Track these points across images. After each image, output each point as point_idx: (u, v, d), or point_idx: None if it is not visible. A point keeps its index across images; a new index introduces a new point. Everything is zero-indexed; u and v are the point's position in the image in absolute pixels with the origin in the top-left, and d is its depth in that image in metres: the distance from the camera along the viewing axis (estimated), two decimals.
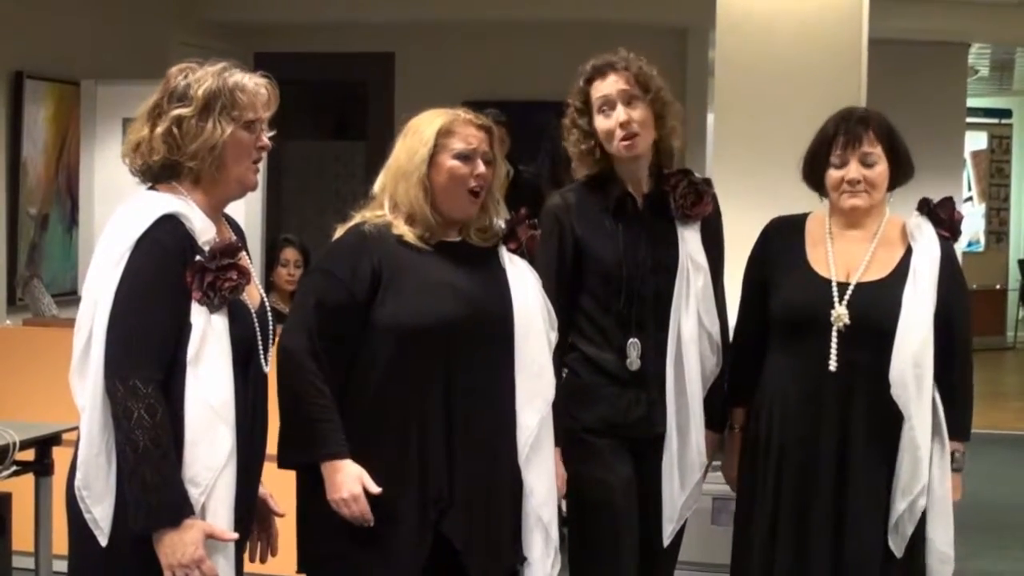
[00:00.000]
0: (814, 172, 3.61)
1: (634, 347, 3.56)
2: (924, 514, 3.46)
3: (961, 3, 9.56)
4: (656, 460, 3.59)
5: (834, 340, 3.46)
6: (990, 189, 15.19)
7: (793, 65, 5.53)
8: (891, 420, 3.43)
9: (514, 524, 3.24)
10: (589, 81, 3.56)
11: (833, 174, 3.53)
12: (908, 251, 3.53)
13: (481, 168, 3.21)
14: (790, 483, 3.50)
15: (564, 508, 3.65)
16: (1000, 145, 15.54)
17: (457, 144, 3.20)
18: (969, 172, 14.86)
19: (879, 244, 3.55)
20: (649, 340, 3.57)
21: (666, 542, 3.62)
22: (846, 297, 3.48)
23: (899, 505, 3.43)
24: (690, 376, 3.58)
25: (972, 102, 13.04)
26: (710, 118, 6.40)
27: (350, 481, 3.07)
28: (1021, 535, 6.49)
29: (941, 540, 3.49)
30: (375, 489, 3.07)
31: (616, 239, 3.57)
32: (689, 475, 3.60)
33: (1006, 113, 15.68)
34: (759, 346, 3.66)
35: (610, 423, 3.57)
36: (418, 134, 3.22)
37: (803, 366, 3.52)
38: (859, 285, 3.49)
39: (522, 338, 3.24)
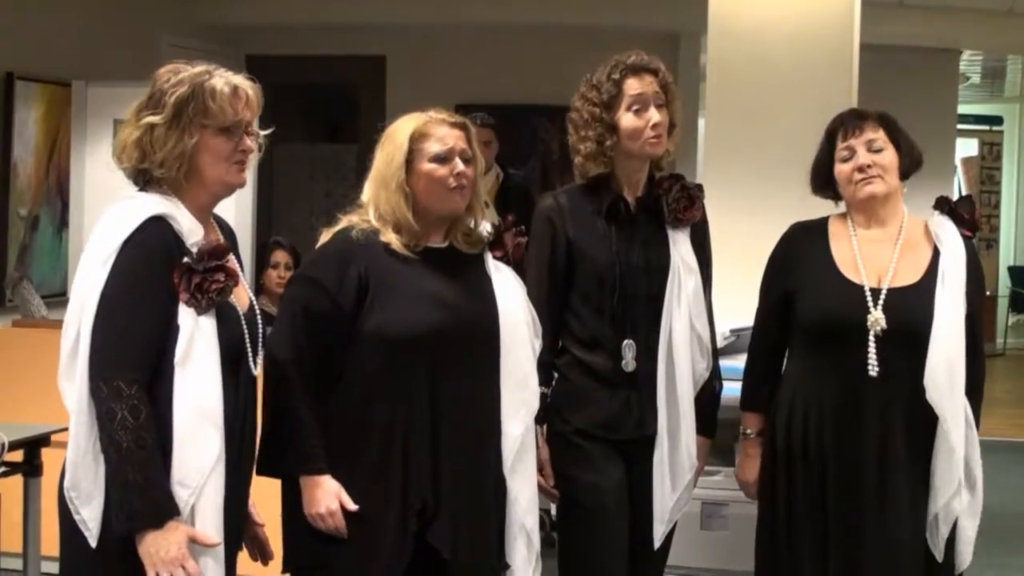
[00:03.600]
0: (820, 175, 3.63)
1: (629, 348, 3.56)
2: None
3: (953, 10, 9.57)
4: (647, 462, 3.59)
5: (872, 345, 3.45)
6: (981, 196, 15.21)
7: (785, 71, 5.54)
8: (929, 423, 3.44)
9: (498, 531, 3.25)
10: (624, 77, 3.55)
11: (843, 167, 3.55)
12: (935, 253, 3.54)
13: (460, 166, 3.19)
14: (833, 489, 3.49)
15: (553, 511, 3.65)
16: (991, 152, 15.58)
17: (433, 147, 3.18)
18: (960, 178, 14.89)
19: (904, 247, 3.55)
20: (642, 342, 3.57)
21: (656, 544, 3.62)
22: (880, 302, 3.48)
23: (936, 504, 3.45)
24: (681, 377, 3.58)
25: (963, 109, 13.06)
26: (701, 123, 6.41)
27: (327, 497, 3.09)
28: (1011, 541, 6.50)
29: (969, 525, 3.51)
30: (352, 506, 3.09)
31: (609, 241, 3.57)
32: (679, 476, 3.60)
33: (997, 120, 15.72)
34: (778, 353, 3.67)
35: (602, 426, 3.57)
36: (393, 141, 3.21)
37: (838, 373, 3.50)
38: (891, 291, 3.49)
39: (507, 347, 3.24)
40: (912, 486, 3.46)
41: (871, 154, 3.51)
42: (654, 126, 3.53)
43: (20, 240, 7.34)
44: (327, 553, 3.13)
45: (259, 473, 3.15)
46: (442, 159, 3.18)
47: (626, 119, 3.54)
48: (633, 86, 3.55)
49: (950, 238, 3.54)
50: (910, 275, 3.52)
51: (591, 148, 3.56)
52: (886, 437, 3.46)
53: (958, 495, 3.45)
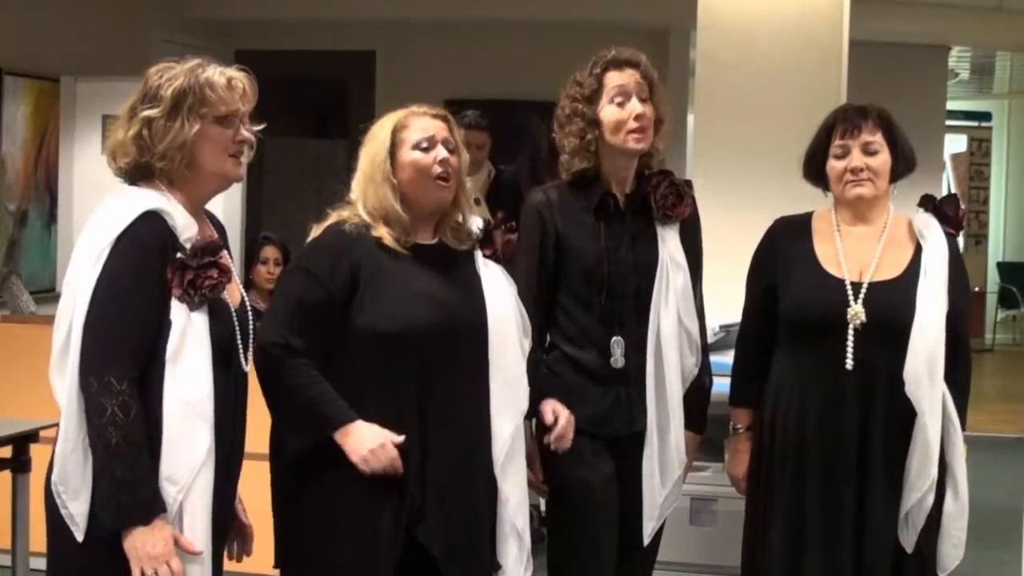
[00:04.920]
0: (814, 165, 3.63)
1: (618, 344, 3.56)
2: (942, 501, 3.49)
3: (941, 6, 9.59)
4: (636, 458, 3.59)
5: (850, 339, 3.46)
6: (970, 192, 15.25)
7: (774, 66, 5.55)
8: (908, 417, 3.44)
9: (490, 531, 3.24)
10: (605, 71, 3.56)
11: (835, 165, 3.55)
12: (918, 249, 3.54)
13: (444, 154, 3.19)
14: (814, 483, 3.50)
15: (543, 507, 3.65)
16: (980, 148, 15.61)
17: (414, 136, 3.19)
18: (949, 175, 14.92)
19: (888, 243, 3.55)
20: (631, 338, 3.57)
21: (646, 540, 3.62)
22: (860, 296, 3.48)
23: (908, 500, 3.45)
24: (670, 373, 3.58)
25: (952, 105, 13.08)
26: (690, 118, 6.41)
27: (373, 434, 3.06)
28: (999, 537, 6.51)
29: (956, 526, 3.53)
30: (398, 438, 3.06)
31: (598, 237, 3.57)
32: (669, 472, 3.60)
33: (986, 116, 15.75)
34: (765, 348, 3.67)
35: (592, 422, 3.57)
36: (375, 138, 3.22)
37: (820, 366, 3.51)
38: (872, 285, 3.50)
39: (497, 347, 3.24)
40: (892, 483, 3.47)
41: (866, 157, 3.51)
42: (637, 117, 3.53)
43: (8, 236, 7.33)
44: (320, 548, 3.12)
45: (284, 458, 3.12)
46: (424, 147, 3.19)
47: (607, 111, 3.54)
48: (614, 78, 3.55)
49: (934, 235, 3.54)
50: (892, 270, 3.53)
51: (574, 143, 3.57)
52: (866, 433, 3.47)
53: (932, 491, 3.45)
